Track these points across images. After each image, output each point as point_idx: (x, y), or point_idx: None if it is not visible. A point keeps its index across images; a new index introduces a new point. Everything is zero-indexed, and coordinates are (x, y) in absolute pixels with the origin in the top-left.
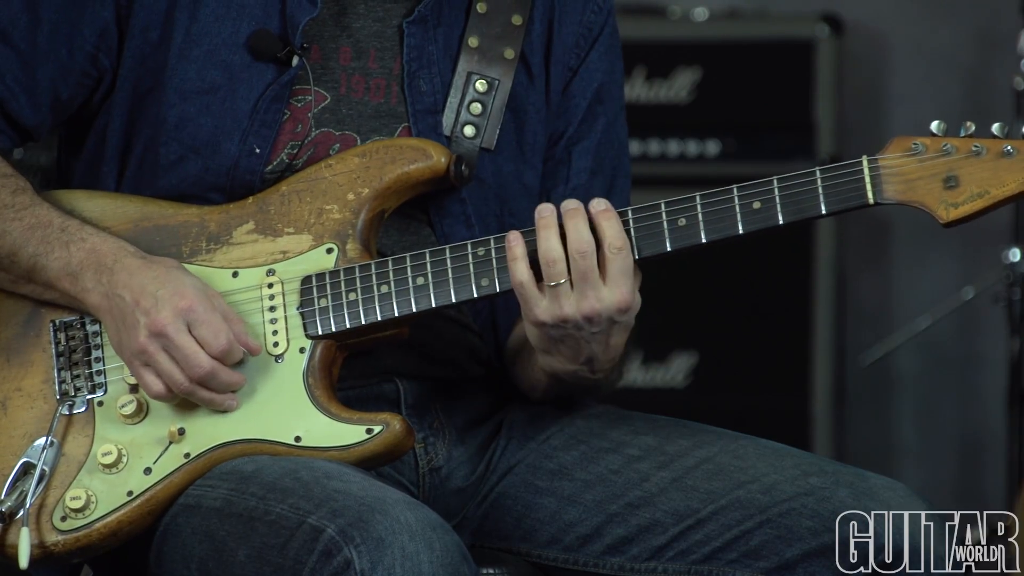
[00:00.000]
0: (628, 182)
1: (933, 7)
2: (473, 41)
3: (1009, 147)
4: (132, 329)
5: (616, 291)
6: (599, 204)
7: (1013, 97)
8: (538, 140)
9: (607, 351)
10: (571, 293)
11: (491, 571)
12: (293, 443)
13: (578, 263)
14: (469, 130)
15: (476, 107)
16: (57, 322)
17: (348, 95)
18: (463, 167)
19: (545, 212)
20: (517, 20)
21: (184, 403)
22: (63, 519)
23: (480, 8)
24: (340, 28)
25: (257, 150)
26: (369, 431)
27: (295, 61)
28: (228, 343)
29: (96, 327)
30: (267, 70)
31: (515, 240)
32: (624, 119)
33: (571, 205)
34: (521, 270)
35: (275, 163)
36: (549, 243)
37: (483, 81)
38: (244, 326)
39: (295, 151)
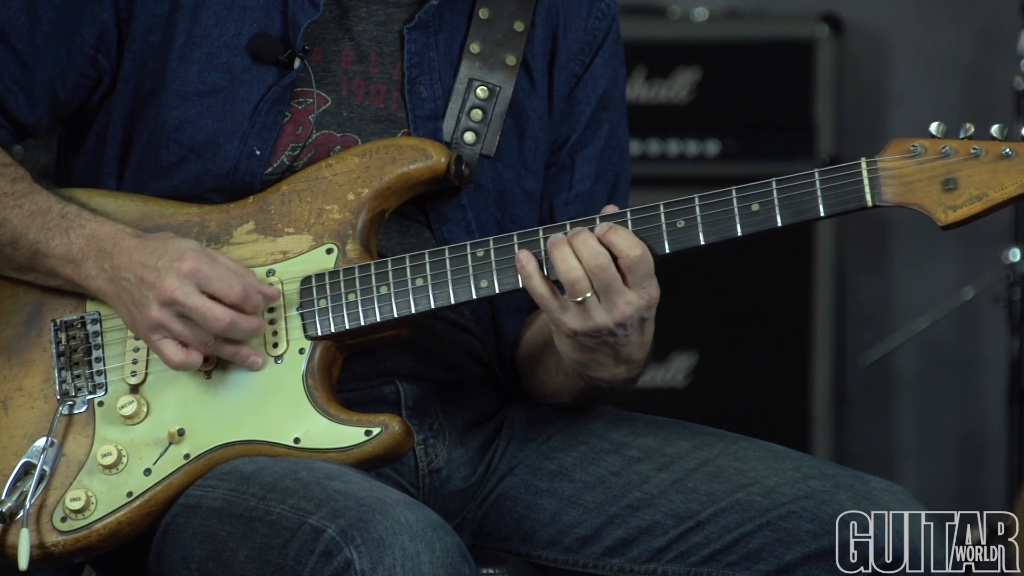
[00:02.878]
0: (628, 186)
1: (933, 7)
2: (475, 47)
3: (1008, 149)
4: (142, 305)
5: (644, 293)
6: (603, 227)
7: (1013, 97)
8: (539, 146)
9: (642, 347)
10: (599, 305)
11: (491, 571)
12: (292, 444)
13: (599, 276)
14: (469, 136)
15: (477, 113)
16: (58, 322)
17: (349, 98)
18: (463, 167)
19: (556, 236)
20: (519, 26)
21: (184, 404)
22: (63, 520)
23: (483, 14)
24: (342, 31)
25: (257, 152)
26: (368, 433)
27: (297, 64)
28: (243, 288)
29: (97, 327)
30: (268, 72)
31: (527, 259)
32: (626, 124)
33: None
34: (539, 286)
35: (275, 165)
36: (568, 263)
37: (484, 87)
38: (253, 275)
39: (296, 153)
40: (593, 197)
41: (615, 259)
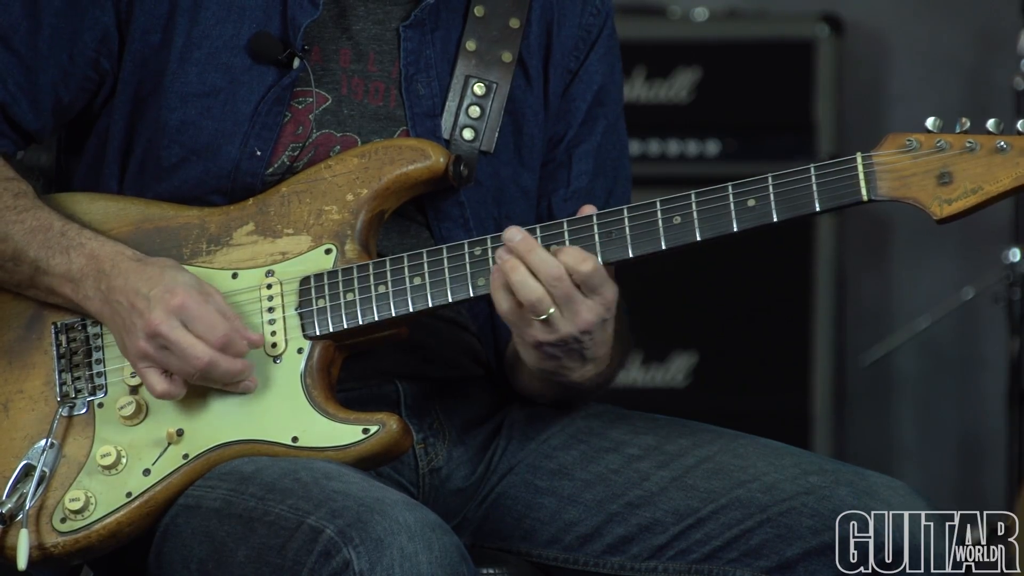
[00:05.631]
0: (629, 184)
1: (933, 7)
2: (471, 45)
3: (1003, 143)
4: (131, 333)
5: (600, 298)
6: (555, 248)
7: (1013, 97)
8: (536, 143)
9: (605, 343)
10: (562, 317)
11: (491, 571)
12: (291, 443)
13: (558, 289)
14: (468, 133)
15: (475, 110)
16: (59, 324)
17: (349, 96)
18: (462, 167)
19: (506, 256)
20: (515, 23)
21: (183, 404)
22: (63, 520)
23: (478, 12)
24: (340, 30)
25: (258, 152)
26: (366, 431)
27: (296, 63)
28: (225, 334)
29: (97, 329)
30: (268, 72)
31: (497, 273)
32: (623, 121)
33: (517, 237)
34: (501, 299)
35: (276, 165)
36: (526, 283)
37: (481, 84)
38: (241, 321)
39: (296, 153)
40: (593, 193)
41: (569, 273)
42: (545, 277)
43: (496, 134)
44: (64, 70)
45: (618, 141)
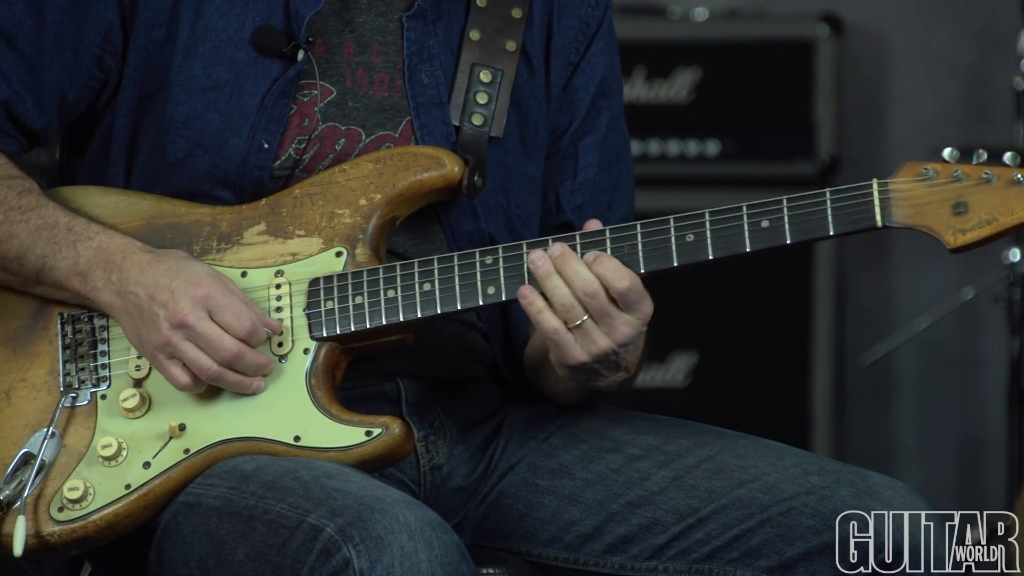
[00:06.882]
0: (632, 178)
1: (933, 7)
2: (474, 34)
3: (1019, 175)
4: (152, 324)
5: (638, 312)
6: (590, 256)
7: (1013, 97)
8: (539, 133)
9: (638, 349)
10: (597, 328)
11: (491, 571)
12: (292, 443)
13: (592, 304)
14: (477, 119)
15: (482, 97)
16: (64, 315)
17: (354, 88)
18: (476, 177)
19: (539, 260)
20: (517, 13)
21: (187, 399)
22: (60, 510)
23: (480, 2)
24: (343, 23)
25: (265, 145)
26: (368, 433)
27: (300, 56)
28: (252, 323)
29: (103, 321)
30: (273, 65)
31: (530, 293)
32: (623, 115)
33: (557, 251)
34: (549, 319)
35: (283, 158)
36: (559, 290)
37: (487, 72)
38: (259, 307)
39: (303, 146)
40: (599, 185)
41: (605, 288)
42: (579, 291)
43: (504, 120)
44: (69, 68)
45: (621, 133)
